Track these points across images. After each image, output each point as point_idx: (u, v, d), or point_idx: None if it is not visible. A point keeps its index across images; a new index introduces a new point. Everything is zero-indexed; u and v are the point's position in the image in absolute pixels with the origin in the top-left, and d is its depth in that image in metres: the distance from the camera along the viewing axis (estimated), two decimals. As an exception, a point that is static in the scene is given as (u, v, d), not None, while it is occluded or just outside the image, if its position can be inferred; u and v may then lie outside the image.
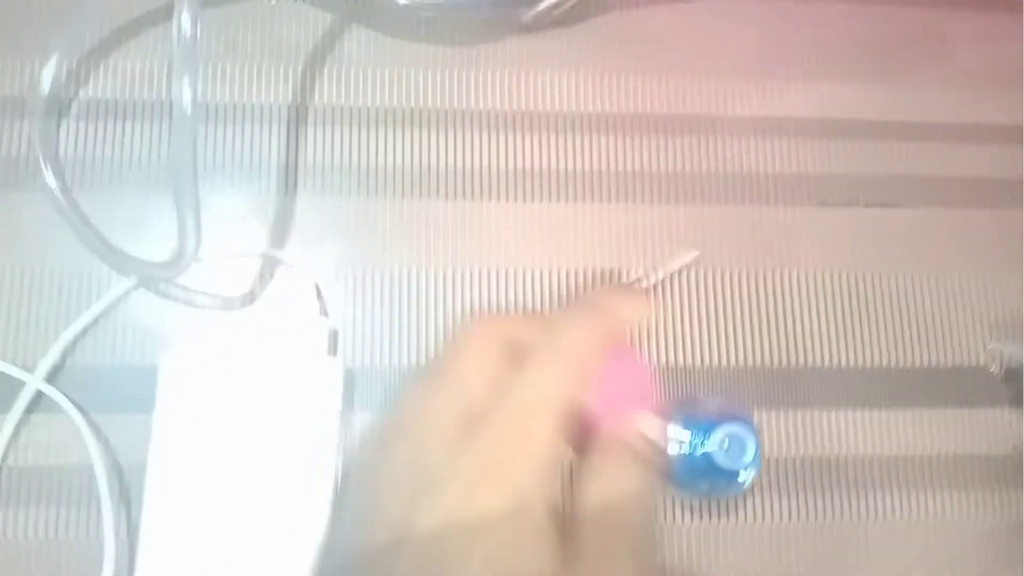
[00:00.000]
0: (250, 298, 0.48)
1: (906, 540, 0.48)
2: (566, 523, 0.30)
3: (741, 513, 0.47)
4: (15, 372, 0.45)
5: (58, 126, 0.49)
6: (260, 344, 0.47)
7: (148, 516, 0.42)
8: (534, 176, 0.51)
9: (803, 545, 0.47)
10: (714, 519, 0.47)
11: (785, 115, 0.53)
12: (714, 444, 0.40)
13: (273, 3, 0.52)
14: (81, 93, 0.50)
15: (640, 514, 0.32)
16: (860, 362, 0.50)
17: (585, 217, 0.51)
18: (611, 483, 0.31)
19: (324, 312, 0.47)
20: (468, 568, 0.28)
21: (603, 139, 0.52)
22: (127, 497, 0.45)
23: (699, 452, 0.41)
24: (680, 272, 0.50)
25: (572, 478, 0.32)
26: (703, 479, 0.42)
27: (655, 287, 0.49)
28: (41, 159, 0.47)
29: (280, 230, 0.49)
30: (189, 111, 0.38)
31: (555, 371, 0.31)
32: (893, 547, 0.48)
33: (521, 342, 0.33)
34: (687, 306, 0.50)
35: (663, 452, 0.33)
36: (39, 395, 0.45)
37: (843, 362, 0.50)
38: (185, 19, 0.36)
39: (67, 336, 0.46)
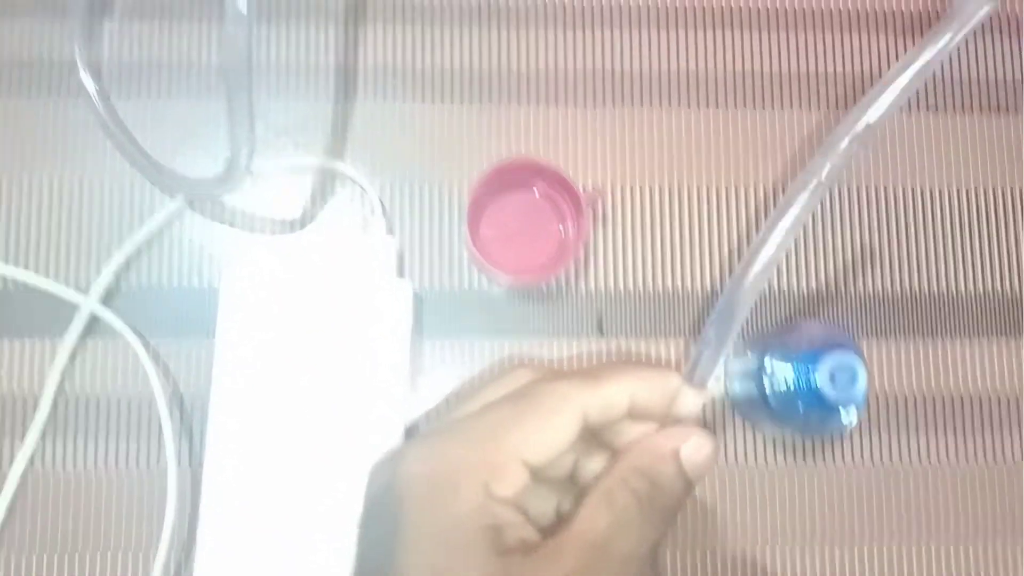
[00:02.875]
0: (309, 216, 0.45)
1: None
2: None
3: (838, 452, 0.44)
4: (69, 294, 0.43)
5: (100, 27, 0.46)
6: (324, 266, 0.44)
7: (212, 449, 0.40)
8: (611, 77, 0.46)
9: (906, 489, 0.44)
10: (809, 459, 0.44)
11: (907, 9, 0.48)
12: (823, 374, 0.36)
13: None
14: (121, -9, 0.46)
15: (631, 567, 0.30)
16: (974, 287, 0.46)
17: (667, 122, 0.46)
18: (613, 528, 0.30)
19: (390, 230, 0.44)
20: None
21: (687, 34, 0.47)
22: (189, 426, 0.43)
23: (805, 383, 0.37)
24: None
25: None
26: (807, 414, 0.38)
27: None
28: (80, 63, 0.43)
29: (338, 141, 0.45)
30: (244, 7, 0.34)
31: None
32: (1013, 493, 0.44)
33: None
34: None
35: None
36: (94, 319, 0.43)
37: (955, 287, 0.46)
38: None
39: (119, 257, 0.43)
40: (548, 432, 0.31)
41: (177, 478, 0.41)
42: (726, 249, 0.45)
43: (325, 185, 0.45)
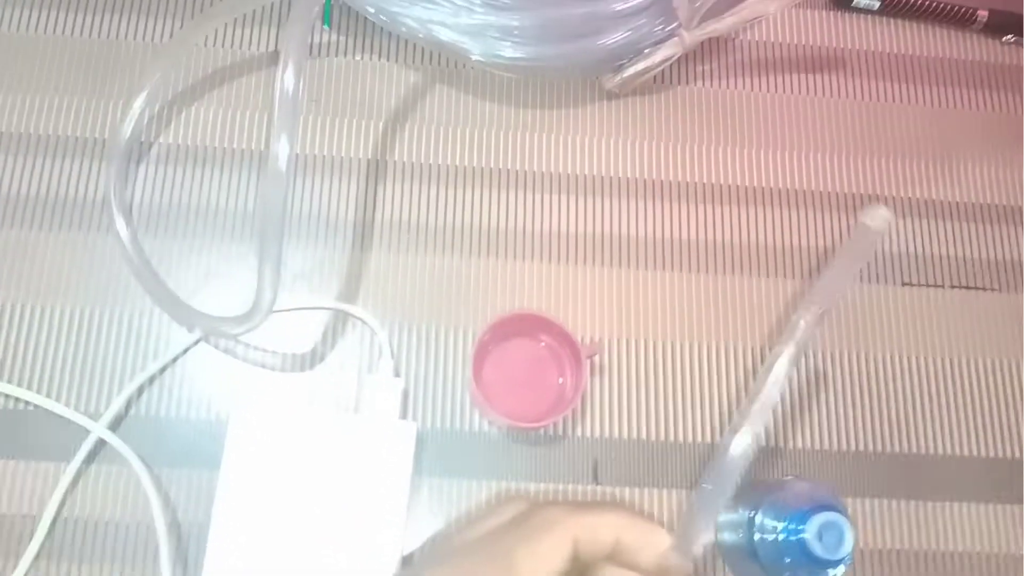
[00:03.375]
0: (320, 355, 0.47)
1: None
2: None
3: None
4: (80, 420, 0.44)
5: (136, 170, 0.49)
6: (330, 406, 0.46)
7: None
8: (610, 241, 0.50)
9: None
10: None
11: (873, 193, 0.53)
12: (811, 532, 0.38)
13: (358, 59, 0.52)
14: (160, 139, 0.50)
15: None
16: (960, 451, 0.48)
17: (663, 284, 0.50)
18: None
19: (396, 372, 0.46)
20: None
21: (681, 207, 0.51)
22: (184, 556, 0.43)
23: (793, 538, 0.39)
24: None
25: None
26: (792, 568, 0.40)
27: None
28: (113, 204, 0.46)
29: (352, 286, 0.48)
30: (284, 167, 0.37)
31: None
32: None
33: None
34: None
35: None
36: (100, 444, 0.44)
37: (941, 450, 0.48)
38: (289, 76, 0.36)
39: (132, 387, 0.45)
40: (545, 555, 0.32)
41: (170, 609, 0.41)
42: (718, 404, 0.48)
43: (336, 327, 0.47)
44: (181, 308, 0.46)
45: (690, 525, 0.34)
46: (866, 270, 0.51)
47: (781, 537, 0.39)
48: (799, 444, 0.48)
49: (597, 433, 0.47)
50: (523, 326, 0.46)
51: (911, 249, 0.52)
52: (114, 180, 0.47)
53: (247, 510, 0.41)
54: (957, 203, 0.53)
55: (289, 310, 0.47)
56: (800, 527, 0.38)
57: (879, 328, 0.50)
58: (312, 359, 0.47)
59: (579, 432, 0.47)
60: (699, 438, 0.47)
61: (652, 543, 0.34)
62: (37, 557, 0.43)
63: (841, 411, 0.48)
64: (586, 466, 0.46)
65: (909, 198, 0.53)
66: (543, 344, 0.47)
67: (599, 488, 0.46)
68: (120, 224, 0.46)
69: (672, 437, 0.47)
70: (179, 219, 0.49)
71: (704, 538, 0.34)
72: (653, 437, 0.47)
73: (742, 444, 0.34)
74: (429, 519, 0.45)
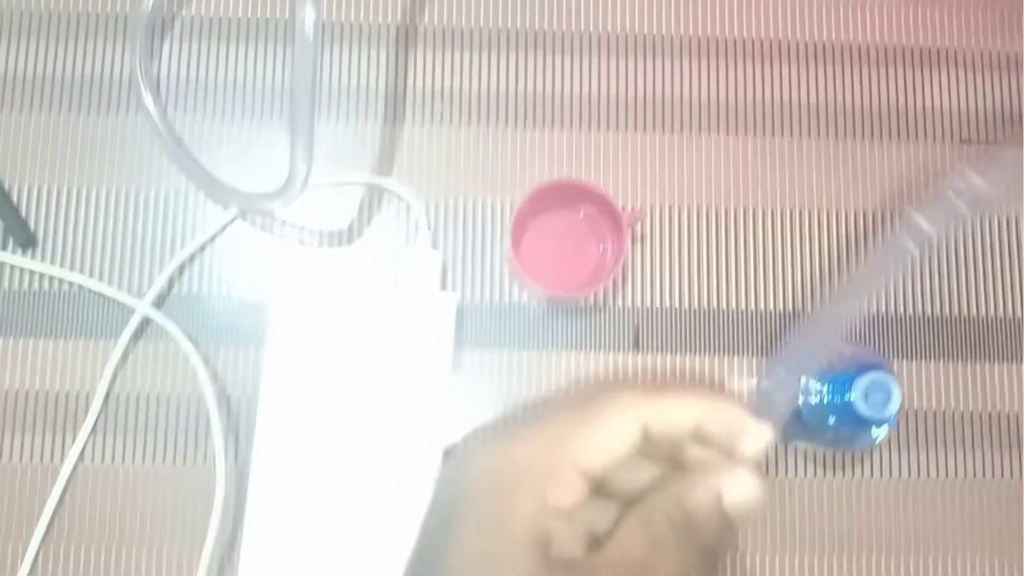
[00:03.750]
0: (357, 230, 0.47)
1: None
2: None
3: (867, 467, 0.45)
4: (124, 298, 0.45)
5: (160, 47, 0.48)
6: (371, 280, 0.46)
7: (260, 449, 0.41)
8: (653, 104, 0.48)
9: (930, 503, 0.45)
10: (839, 473, 0.45)
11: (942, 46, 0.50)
12: (858, 393, 0.38)
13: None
14: (184, 12, 0.48)
15: None
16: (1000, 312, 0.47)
17: (706, 148, 0.48)
18: (649, 554, 0.30)
19: (434, 245, 0.46)
20: None
21: (727, 65, 0.49)
22: (236, 426, 0.44)
23: (839, 400, 0.38)
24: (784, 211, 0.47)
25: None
26: (838, 429, 0.40)
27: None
28: (140, 80, 0.45)
29: (386, 159, 0.47)
30: (311, 33, 0.36)
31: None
32: None
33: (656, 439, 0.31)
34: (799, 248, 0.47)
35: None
36: (146, 322, 0.45)
37: (988, 312, 0.47)
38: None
39: (173, 264, 0.45)
40: (605, 440, 0.31)
41: (225, 476, 0.43)
42: (761, 271, 0.47)
43: (372, 201, 0.47)
44: (215, 185, 0.45)
45: (768, 402, 0.32)
46: (922, 130, 0.49)
47: (827, 399, 0.39)
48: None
49: (638, 302, 0.46)
50: (562, 196, 0.45)
51: (970, 104, 0.49)
52: (139, 56, 0.46)
53: (294, 387, 0.42)
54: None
55: (324, 186, 0.47)
56: (846, 388, 0.38)
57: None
58: (349, 235, 0.47)
59: (619, 301, 0.46)
60: (741, 305, 0.47)
61: (730, 423, 0.31)
62: (93, 431, 0.44)
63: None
64: (627, 334, 0.46)
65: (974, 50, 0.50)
66: (583, 214, 0.46)
67: (639, 356, 0.46)
68: (148, 101, 0.45)
69: (714, 303, 0.47)
70: (208, 96, 0.48)
71: (782, 414, 0.32)
72: (695, 305, 0.46)
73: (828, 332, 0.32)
74: (471, 392, 0.45)
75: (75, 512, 0.43)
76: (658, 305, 0.46)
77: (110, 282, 0.45)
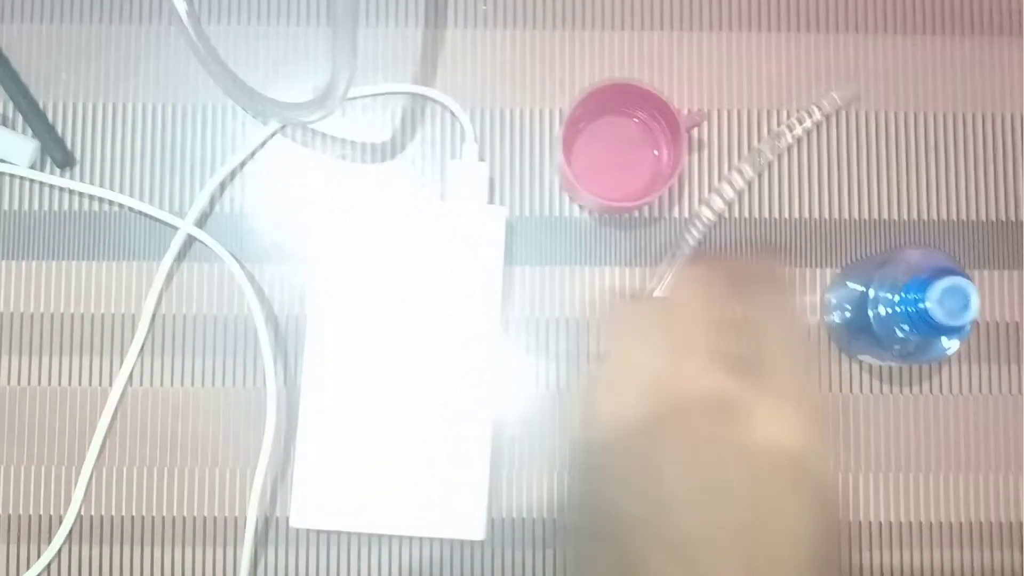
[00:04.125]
0: (400, 143, 0.45)
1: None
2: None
3: (936, 381, 0.44)
4: (166, 217, 0.44)
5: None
6: (417, 194, 0.44)
7: (310, 372, 0.40)
8: (706, 1, 0.45)
9: (1001, 419, 0.44)
10: (906, 388, 0.44)
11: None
12: (933, 298, 0.35)
13: None
14: (213, -85, 0.46)
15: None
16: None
17: (767, 47, 0.45)
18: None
19: (481, 157, 0.44)
20: None
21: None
22: (284, 346, 0.44)
23: (913, 309, 0.36)
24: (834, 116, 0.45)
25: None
26: (908, 340, 0.38)
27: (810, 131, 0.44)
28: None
29: (429, 68, 0.45)
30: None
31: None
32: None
33: None
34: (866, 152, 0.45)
35: None
36: (189, 241, 0.44)
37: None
38: None
39: (214, 182, 0.44)
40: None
41: (276, 396, 0.42)
42: (821, 177, 0.45)
43: (415, 112, 0.45)
44: (253, 97, 0.43)
45: None
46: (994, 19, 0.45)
47: (899, 309, 0.37)
48: (904, 214, 0.45)
49: (702, 213, 0.44)
50: (616, 99, 0.42)
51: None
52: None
53: (342, 306, 0.41)
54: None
55: (365, 96, 0.45)
56: (920, 295, 0.36)
57: (996, 86, 0.45)
58: (392, 148, 0.45)
59: (676, 212, 0.44)
60: (804, 214, 0.44)
61: None
62: (141, 353, 0.44)
63: (950, 177, 0.45)
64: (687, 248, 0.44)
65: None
66: (637, 120, 0.43)
67: (692, 268, 0.44)
68: (181, 9, 0.43)
69: (775, 213, 0.44)
70: (243, 2, 0.45)
71: None
72: (756, 214, 0.44)
73: None
74: (522, 306, 0.44)
75: (126, 435, 0.43)
76: (721, 214, 0.44)
77: (151, 201, 0.44)
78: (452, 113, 0.44)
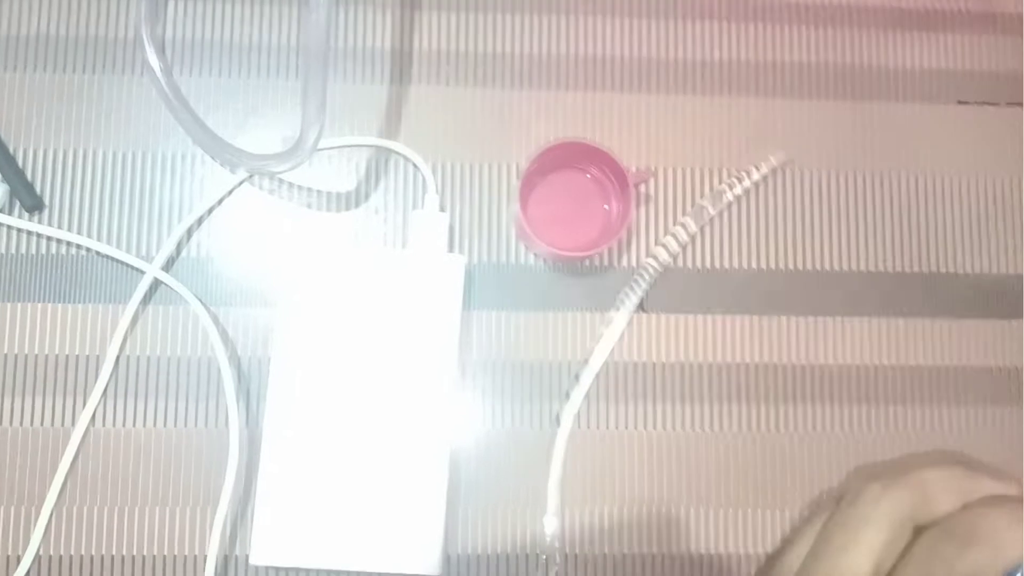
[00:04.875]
0: (364, 193, 0.47)
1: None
2: None
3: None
4: (134, 261, 0.45)
5: (166, 5, 0.48)
6: (379, 242, 0.46)
7: (271, 414, 0.42)
8: (659, 65, 0.48)
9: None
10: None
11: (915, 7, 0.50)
12: None
13: None
14: (187, -26, 0.48)
15: None
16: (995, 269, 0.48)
17: (712, 109, 0.48)
18: None
19: (442, 207, 0.46)
20: None
21: (735, 26, 0.49)
22: (247, 388, 0.45)
23: None
24: (770, 176, 0.48)
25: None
26: None
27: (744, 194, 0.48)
28: (145, 40, 0.45)
29: (393, 122, 0.47)
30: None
31: None
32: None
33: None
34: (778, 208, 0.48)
35: None
36: (156, 285, 0.45)
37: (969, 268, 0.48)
38: None
39: (182, 227, 0.45)
40: (871, 549, 0.32)
41: (238, 437, 0.43)
42: (765, 229, 0.48)
43: (380, 164, 0.47)
44: (223, 147, 0.45)
45: None
46: (918, 88, 0.49)
47: None
48: (834, 265, 0.48)
49: (643, 262, 0.47)
50: (569, 156, 0.45)
51: (966, 66, 0.50)
52: (144, 15, 0.46)
53: (304, 349, 0.42)
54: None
55: (332, 148, 0.47)
56: None
57: (932, 147, 0.49)
58: (357, 198, 0.47)
59: (625, 261, 0.47)
60: (746, 264, 0.47)
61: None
62: (104, 394, 0.44)
63: (892, 232, 0.48)
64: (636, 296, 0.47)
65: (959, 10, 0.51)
66: (589, 174, 0.46)
67: (645, 315, 0.47)
68: (153, 61, 0.45)
69: (718, 263, 0.47)
70: (215, 56, 0.47)
71: None
72: (700, 264, 0.47)
73: None
74: (479, 349, 0.46)
75: (87, 475, 0.44)
76: (667, 264, 0.47)
77: (119, 245, 0.46)
78: (415, 165, 0.47)
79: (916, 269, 0.48)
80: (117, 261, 0.45)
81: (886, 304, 0.48)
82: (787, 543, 0.37)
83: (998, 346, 0.48)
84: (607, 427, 0.46)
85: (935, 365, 0.47)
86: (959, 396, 0.47)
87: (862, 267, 0.48)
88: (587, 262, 0.47)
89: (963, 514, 0.32)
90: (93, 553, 0.43)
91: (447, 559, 0.43)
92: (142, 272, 0.45)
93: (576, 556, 0.44)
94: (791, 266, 0.48)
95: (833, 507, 0.36)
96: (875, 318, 0.47)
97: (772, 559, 0.37)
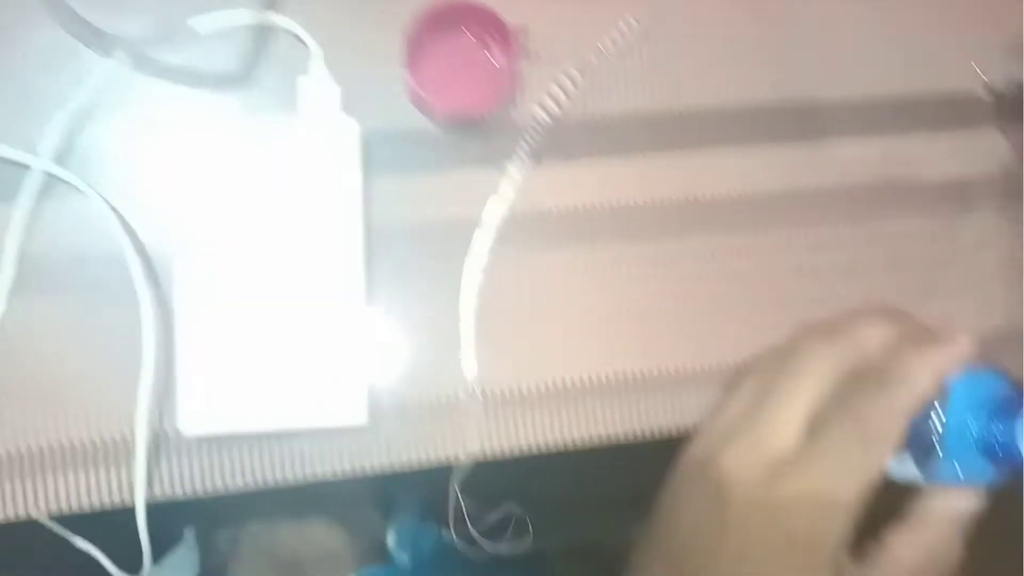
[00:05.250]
0: (250, 69, 0.47)
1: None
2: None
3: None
4: (20, 156, 0.44)
5: None
6: (270, 116, 0.46)
7: (182, 294, 0.43)
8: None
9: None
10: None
11: None
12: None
13: None
14: None
15: None
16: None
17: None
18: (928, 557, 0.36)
19: (330, 75, 0.46)
20: None
21: None
22: (156, 279, 0.45)
23: (1006, 447, 0.35)
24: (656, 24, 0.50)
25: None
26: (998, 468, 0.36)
27: None
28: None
29: (270, -6, 0.47)
30: None
31: (854, 459, 0.34)
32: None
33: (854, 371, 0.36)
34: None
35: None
36: (49, 180, 0.44)
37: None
38: None
39: (63, 117, 0.44)
40: (809, 392, 0.37)
41: (154, 322, 0.44)
42: (645, 74, 0.49)
43: (263, 39, 0.47)
44: (94, 33, 0.44)
45: None
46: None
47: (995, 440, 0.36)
48: (730, 99, 0.50)
49: (534, 114, 0.48)
50: (452, 15, 0.46)
51: None
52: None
53: (208, 222, 0.43)
54: None
55: (210, 28, 0.46)
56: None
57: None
58: (243, 74, 0.47)
59: (516, 117, 0.48)
60: (636, 107, 0.49)
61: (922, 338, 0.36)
62: (12, 294, 0.44)
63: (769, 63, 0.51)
64: (524, 147, 0.48)
65: None
66: (474, 34, 0.47)
67: (539, 165, 0.48)
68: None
69: (606, 110, 0.49)
70: (74, -61, 0.46)
71: None
72: (587, 113, 0.49)
73: None
74: (382, 215, 0.47)
75: (4, 375, 0.44)
76: (556, 115, 0.49)
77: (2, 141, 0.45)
78: (298, 37, 0.47)
79: (791, 95, 0.51)
80: (3, 158, 0.44)
81: (769, 132, 0.50)
82: (728, 395, 0.40)
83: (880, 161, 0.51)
84: (514, 275, 0.48)
85: (819, 186, 0.51)
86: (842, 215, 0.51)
87: (741, 99, 0.50)
88: (481, 118, 0.48)
89: (887, 360, 0.36)
90: (21, 447, 0.44)
91: (373, 411, 0.45)
92: (29, 166, 0.44)
93: (499, 393, 0.47)
94: (674, 105, 0.50)
95: (773, 361, 0.39)
96: (754, 146, 0.50)
97: (714, 412, 0.41)
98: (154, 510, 0.44)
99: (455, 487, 0.47)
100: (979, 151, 0.52)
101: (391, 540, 0.77)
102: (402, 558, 0.76)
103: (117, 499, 0.44)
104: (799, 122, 0.51)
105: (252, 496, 0.68)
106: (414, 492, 0.81)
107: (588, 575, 0.74)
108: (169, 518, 0.59)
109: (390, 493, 0.79)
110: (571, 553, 0.74)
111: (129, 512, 0.44)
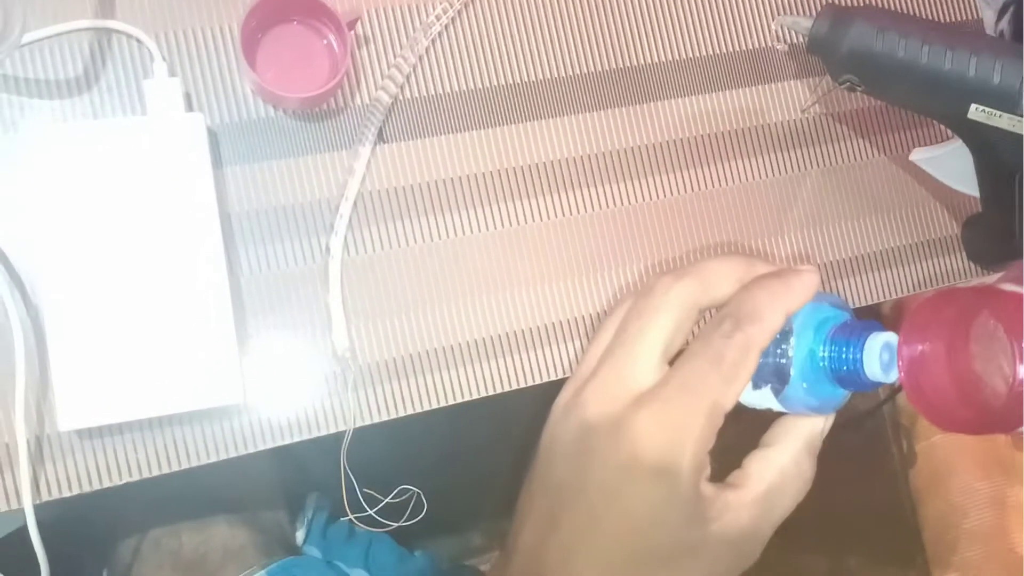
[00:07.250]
0: (91, 75, 0.48)
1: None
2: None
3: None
4: None
5: None
6: (118, 119, 0.47)
7: (47, 295, 0.44)
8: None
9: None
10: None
11: None
12: (872, 357, 0.37)
13: None
14: None
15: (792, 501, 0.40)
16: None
17: (409, -47, 0.52)
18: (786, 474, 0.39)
19: (172, 73, 0.48)
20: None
21: None
22: (19, 278, 0.46)
23: (852, 367, 0.37)
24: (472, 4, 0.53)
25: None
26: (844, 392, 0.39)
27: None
28: None
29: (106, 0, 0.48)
30: None
31: (708, 392, 0.37)
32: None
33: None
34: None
35: None
36: None
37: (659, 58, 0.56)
38: None
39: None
40: (666, 331, 0.39)
41: (21, 325, 0.45)
42: (475, 52, 0.53)
43: (102, 45, 0.48)
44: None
45: None
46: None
47: (834, 367, 0.39)
48: (555, 72, 0.54)
49: (376, 97, 0.51)
50: (282, 7, 0.48)
51: None
52: None
53: (66, 226, 0.44)
54: None
55: (45, 38, 0.47)
56: (857, 352, 0.37)
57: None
58: (85, 80, 0.48)
59: (359, 100, 0.51)
60: (469, 85, 0.53)
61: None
62: None
63: (590, 34, 0.55)
64: (372, 130, 0.51)
65: None
66: (307, 24, 0.49)
67: (386, 145, 0.51)
68: None
69: (442, 89, 0.52)
70: None
71: None
72: (426, 92, 0.52)
73: None
74: (240, 202, 0.49)
75: None
76: (396, 96, 0.51)
77: None
78: (137, 40, 0.48)
79: (611, 66, 0.55)
80: None
81: (599, 100, 0.55)
82: (592, 341, 0.43)
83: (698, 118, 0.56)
84: (374, 249, 0.51)
85: (651, 142, 0.55)
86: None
87: (569, 71, 0.54)
88: (325, 105, 0.51)
89: (736, 294, 0.39)
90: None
91: (247, 390, 0.47)
92: None
93: (371, 364, 0.50)
94: (504, 80, 0.53)
95: (628, 302, 0.42)
96: (587, 113, 0.54)
97: (581, 359, 0.43)
98: (49, 531, 0.45)
99: (344, 460, 0.49)
100: (790, 99, 0.58)
101: (300, 536, 0.79)
102: (312, 552, 0.78)
103: (4, 506, 0.45)
104: (627, 87, 0.55)
105: (152, 504, 0.69)
106: (316, 485, 0.83)
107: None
108: (67, 540, 0.59)
109: (292, 486, 0.81)
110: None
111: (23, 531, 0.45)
